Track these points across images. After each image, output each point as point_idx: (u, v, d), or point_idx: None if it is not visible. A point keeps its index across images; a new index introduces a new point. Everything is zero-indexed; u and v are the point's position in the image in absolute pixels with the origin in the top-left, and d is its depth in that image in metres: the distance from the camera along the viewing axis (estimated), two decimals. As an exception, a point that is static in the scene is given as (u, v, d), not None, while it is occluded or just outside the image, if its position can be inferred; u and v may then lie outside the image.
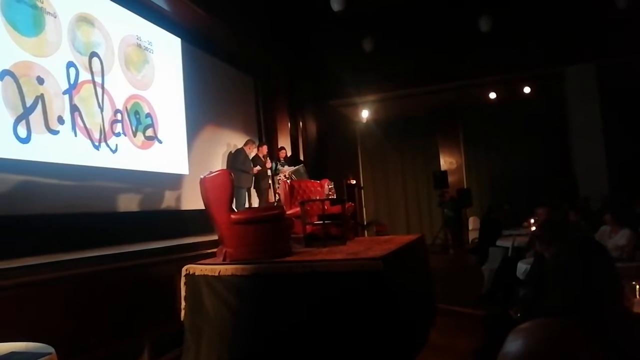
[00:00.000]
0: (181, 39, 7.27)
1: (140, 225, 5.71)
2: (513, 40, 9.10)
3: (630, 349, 1.38)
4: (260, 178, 8.01)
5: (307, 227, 5.12)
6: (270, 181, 8.31)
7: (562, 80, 10.15)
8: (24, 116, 4.54)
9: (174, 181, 6.83)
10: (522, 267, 4.44)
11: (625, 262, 4.00)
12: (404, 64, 9.93)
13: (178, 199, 6.86)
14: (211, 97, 7.99)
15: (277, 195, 8.02)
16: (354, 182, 12.05)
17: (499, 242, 6.12)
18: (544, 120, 11.43)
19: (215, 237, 4.39)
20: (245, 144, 7.93)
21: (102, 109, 5.52)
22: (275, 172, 8.25)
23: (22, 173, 4.53)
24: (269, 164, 8.18)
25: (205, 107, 7.75)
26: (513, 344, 0.83)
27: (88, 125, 5.28)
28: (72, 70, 5.14)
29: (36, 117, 4.67)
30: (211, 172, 4.26)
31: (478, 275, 6.18)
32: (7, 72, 4.41)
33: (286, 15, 9.16)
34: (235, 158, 7.84)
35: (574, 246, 1.73)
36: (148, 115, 6.35)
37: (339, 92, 10.74)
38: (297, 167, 8.44)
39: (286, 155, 8.76)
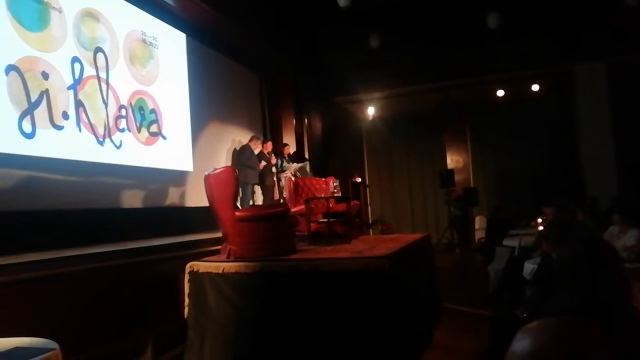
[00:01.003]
0: (186, 34, 7.26)
1: (144, 221, 5.72)
2: (521, 38, 9.03)
3: (638, 349, 1.35)
4: (265, 175, 8.00)
5: (312, 225, 5.10)
6: (275, 178, 8.29)
7: (572, 79, 10.07)
8: (28, 111, 4.54)
9: (178, 178, 6.82)
10: (528, 267, 4.40)
11: (633, 262, 3.96)
12: (410, 61, 9.88)
13: (182, 196, 6.86)
14: (216, 94, 7.98)
15: (284, 192, 8.00)
16: (359, 180, 12.01)
17: (505, 242, 6.08)
18: (552, 118, 11.34)
19: (220, 235, 4.37)
20: (250, 140, 7.93)
21: (106, 105, 5.52)
22: (281, 169, 8.23)
23: (27, 168, 4.53)
24: (273, 160, 8.16)
25: (210, 103, 7.74)
26: (520, 342, 0.83)
27: (92, 121, 5.28)
28: (77, 66, 5.14)
29: (41, 112, 4.67)
30: (216, 169, 4.25)
31: (484, 275, 6.14)
32: (12, 67, 4.41)
33: (292, 11, 9.13)
34: (241, 154, 7.83)
35: (581, 246, 1.71)
36: (152, 111, 6.35)
37: (345, 89, 10.71)
38: (302, 164, 8.41)
39: (289, 152, 8.74)
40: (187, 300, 3.95)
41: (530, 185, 11.01)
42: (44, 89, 4.71)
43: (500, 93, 11.08)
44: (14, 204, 4.35)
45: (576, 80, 9.95)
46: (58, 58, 4.92)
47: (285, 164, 8.27)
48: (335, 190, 5.64)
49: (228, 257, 3.98)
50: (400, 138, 13.05)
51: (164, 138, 6.51)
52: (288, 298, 3.59)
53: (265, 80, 9.66)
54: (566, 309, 1.61)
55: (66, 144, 4.93)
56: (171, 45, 6.90)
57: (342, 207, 5.49)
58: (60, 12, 4.99)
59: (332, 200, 5.47)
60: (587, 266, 1.61)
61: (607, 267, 1.61)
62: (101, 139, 5.39)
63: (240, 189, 6.36)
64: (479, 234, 10.15)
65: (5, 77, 4.34)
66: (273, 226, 4.16)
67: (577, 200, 7.67)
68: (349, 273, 3.46)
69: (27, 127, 4.52)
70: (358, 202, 7.46)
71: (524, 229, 6.92)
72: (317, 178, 6.69)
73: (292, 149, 9.01)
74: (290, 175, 7.85)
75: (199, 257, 4.18)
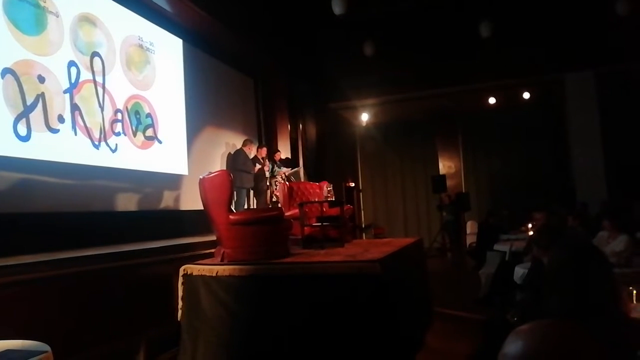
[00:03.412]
0: (183, 40, 7.28)
1: (138, 224, 5.71)
2: (513, 46, 9.14)
3: (627, 353, 1.39)
4: (258, 179, 8.02)
5: (306, 228, 5.12)
6: (268, 183, 8.32)
7: (562, 86, 10.19)
8: (24, 114, 4.54)
9: (173, 181, 6.82)
10: (519, 271, 4.45)
11: (622, 267, 4.02)
12: (404, 68, 9.96)
13: (177, 199, 6.86)
14: (211, 98, 8.00)
15: (274, 197, 8.04)
16: (352, 184, 12.07)
17: (496, 247, 6.13)
18: (542, 125, 11.48)
19: (214, 238, 4.39)
20: (244, 144, 7.94)
21: (102, 109, 5.52)
22: (272, 173, 8.26)
23: (22, 171, 4.52)
24: (267, 166, 8.19)
25: (205, 108, 7.75)
26: (513, 345, 0.84)
27: (88, 125, 5.28)
28: (73, 70, 5.15)
29: (36, 115, 4.67)
30: (210, 173, 4.27)
31: (475, 279, 6.19)
32: (8, 71, 4.41)
33: (288, 18, 9.18)
34: (236, 159, 7.85)
35: (571, 250, 1.74)
36: (148, 115, 6.35)
37: (339, 95, 10.77)
38: (295, 169, 8.44)
39: (280, 157, 8.77)
40: (180, 303, 3.95)
41: (521, 190, 11.13)
42: (39, 93, 4.71)
43: (492, 100, 11.20)
44: (8, 206, 4.34)
45: (566, 88, 10.08)
46: (54, 62, 4.92)
47: (275, 168, 8.31)
48: (329, 195, 5.66)
49: (222, 260, 4.00)
50: (393, 144, 13.15)
51: (160, 142, 6.51)
52: (281, 301, 3.61)
53: (261, 85, 9.68)
54: (556, 313, 1.64)
55: (62, 147, 4.92)
56: (168, 50, 6.92)
57: (335, 211, 5.51)
58: (57, 16, 5.00)
59: (325, 204, 5.50)
60: (577, 271, 1.63)
61: (597, 271, 1.64)
62: (97, 143, 5.39)
63: (234, 193, 6.38)
64: (470, 239, 10.23)
65: (1, 80, 4.33)
66: (267, 230, 4.19)
67: (567, 205, 7.76)
68: (342, 276, 3.49)
69: (22, 130, 4.52)
70: (351, 207, 7.50)
71: (515, 233, 6.99)
72: (311, 182, 6.72)
73: (283, 154, 9.05)
74: (280, 179, 7.89)
75: (193, 260, 4.18)
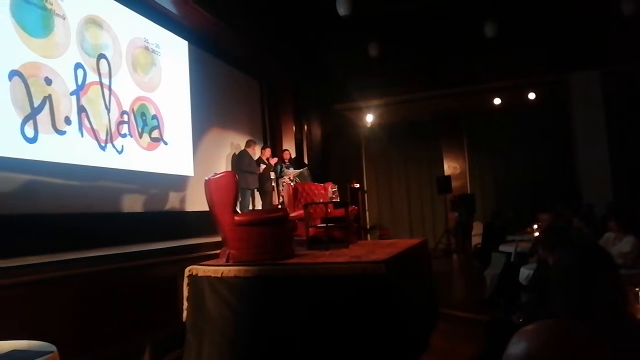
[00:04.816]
0: (188, 42, 7.31)
1: (144, 225, 5.73)
2: (518, 46, 9.11)
3: (633, 355, 1.38)
4: (264, 180, 8.03)
5: (310, 229, 5.13)
6: (274, 183, 8.32)
7: (567, 87, 10.15)
8: (31, 116, 4.58)
9: (179, 182, 6.85)
10: (524, 272, 4.43)
11: (629, 269, 4.00)
12: (409, 69, 9.96)
13: (182, 200, 6.89)
14: (217, 100, 8.03)
15: (281, 197, 8.04)
16: (357, 185, 12.08)
17: (501, 248, 6.11)
18: (548, 126, 11.43)
19: (219, 239, 4.40)
20: (247, 145, 7.95)
21: (108, 110, 5.56)
22: (280, 174, 8.26)
23: (29, 172, 4.56)
24: (273, 161, 8.18)
25: (211, 109, 7.78)
26: (516, 345, 0.83)
27: (94, 126, 5.32)
28: (80, 72, 5.19)
29: (43, 117, 4.70)
30: (216, 174, 4.29)
31: (480, 280, 6.18)
32: (16, 73, 4.45)
33: (293, 19, 9.20)
34: (240, 160, 7.85)
35: (577, 251, 1.73)
36: (154, 116, 6.39)
37: (344, 96, 10.78)
38: (301, 170, 8.45)
39: (290, 157, 8.78)
40: (185, 304, 3.97)
41: (526, 191, 11.09)
42: (46, 95, 4.75)
43: (497, 101, 11.16)
44: (15, 208, 4.37)
45: (572, 88, 10.04)
46: (61, 64, 4.96)
47: (284, 169, 8.30)
48: (334, 196, 5.68)
49: (227, 261, 4.01)
50: (398, 145, 13.13)
51: (165, 143, 6.55)
52: (286, 302, 3.62)
53: (266, 87, 9.71)
54: (562, 315, 1.63)
55: (68, 148, 4.96)
56: (173, 52, 6.95)
57: (340, 212, 5.52)
58: (64, 18, 5.04)
59: (330, 205, 5.50)
60: (583, 272, 1.62)
61: (603, 272, 1.63)
62: (103, 144, 5.42)
63: (239, 194, 6.40)
64: (475, 240, 10.21)
65: (8, 82, 4.37)
66: (272, 231, 4.20)
67: (573, 207, 7.72)
68: (346, 277, 3.49)
69: (29, 131, 4.55)
70: (356, 208, 7.50)
71: (520, 234, 6.96)
72: (316, 183, 6.73)
73: (292, 154, 9.05)
74: (288, 180, 7.90)
75: (198, 261, 4.20)
